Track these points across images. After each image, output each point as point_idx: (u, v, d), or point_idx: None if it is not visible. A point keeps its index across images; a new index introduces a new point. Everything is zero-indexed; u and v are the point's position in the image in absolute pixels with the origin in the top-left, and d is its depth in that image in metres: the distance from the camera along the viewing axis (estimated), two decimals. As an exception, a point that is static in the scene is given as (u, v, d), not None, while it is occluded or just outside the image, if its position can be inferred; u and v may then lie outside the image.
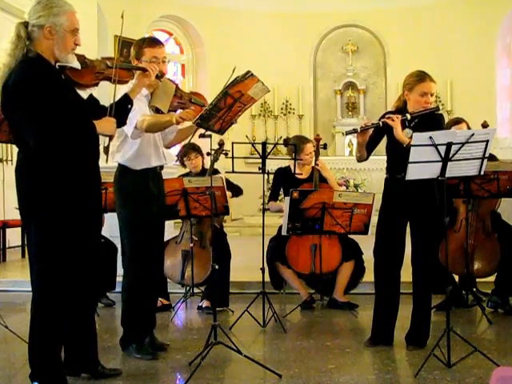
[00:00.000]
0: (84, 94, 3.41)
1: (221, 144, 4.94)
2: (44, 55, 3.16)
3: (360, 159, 4.30)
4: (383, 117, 4.17)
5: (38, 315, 3.25)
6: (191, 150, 5.51)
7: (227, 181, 5.43)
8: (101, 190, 3.53)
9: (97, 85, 3.46)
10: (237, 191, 5.58)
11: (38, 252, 3.24)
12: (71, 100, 3.24)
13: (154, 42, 4.01)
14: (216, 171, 5.40)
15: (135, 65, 3.75)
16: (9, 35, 3.14)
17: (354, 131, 4.14)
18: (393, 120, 4.01)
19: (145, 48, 3.91)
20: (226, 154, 4.87)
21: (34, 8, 3.14)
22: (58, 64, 3.24)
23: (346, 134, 4.39)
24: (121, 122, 3.47)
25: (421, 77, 4.10)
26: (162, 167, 4.05)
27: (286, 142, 5.62)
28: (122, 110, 3.42)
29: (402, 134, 3.99)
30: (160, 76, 3.76)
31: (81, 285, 3.37)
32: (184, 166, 5.68)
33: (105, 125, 3.31)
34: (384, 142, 4.28)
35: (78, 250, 3.30)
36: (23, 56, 3.12)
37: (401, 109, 4.17)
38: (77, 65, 3.29)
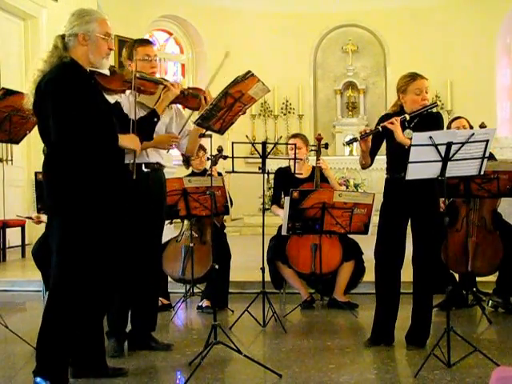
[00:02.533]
0: (111, 99, 3.54)
1: (219, 150, 4.98)
2: (79, 61, 3.33)
3: (364, 166, 4.32)
4: (381, 120, 4.17)
5: (53, 311, 3.28)
6: (199, 148, 5.54)
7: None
8: (125, 194, 3.53)
9: (123, 92, 3.67)
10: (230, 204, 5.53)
11: (60, 247, 3.29)
12: (98, 104, 3.35)
13: (144, 41, 4.18)
14: (219, 174, 5.43)
15: (160, 79, 3.84)
16: (48, 46, 3.38)
17: (355, 140, 4.14)
18: (392, 123, 4.01)
19: (137, 47, 4.02)
20: (225, 158, 4.89)
21: (69, 20, 3.36)
22: (88, 68, 3.38)
23: (347, 144, 4.38)
24: (147, 136, 3.63)
25: (412, 76, 4.12)
26: (147, 165, 4.04)
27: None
28: (147, 123, 3.56)
29: (402, 137, 3.99)
30: (187, 94, 3.86)
31: (99, 283, 3.38)
32: (188, 165, 5.69)
33: (128, 140, 3.43)
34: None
35: (101, 248, 3.32)
36: (58, 61, 3.29)
37: (397, 113, 4.17)
38: (107, 72, 3.45)
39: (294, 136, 5.62)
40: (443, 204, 4.58)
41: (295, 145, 5.24)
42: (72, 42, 3.32)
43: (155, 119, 3.63)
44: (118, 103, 3.59)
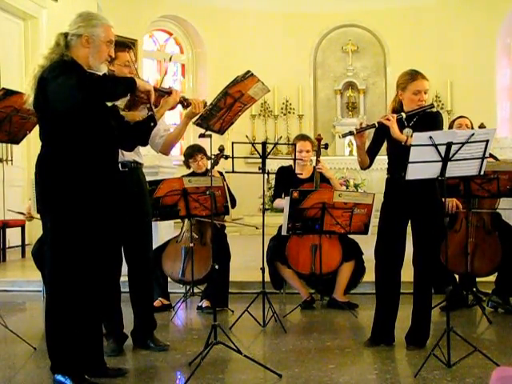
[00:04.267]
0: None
1: (221, 149, 4.98)
2: (78, 61, 3.35)
3: (363, 166, 4.30)
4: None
5: (52, 307, 3.33)
6: (197, 151, 5.53)
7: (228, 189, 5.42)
8: (119, 191, 3.56)
9: None
10: (232, 203, 5.52)
11: (51, 245, 3.32)
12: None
13: (126, 47, 4.07)
14: (220, 173, 5.42)
15: (161, 88, 3.78)
16: (49, 43, 3.40)
17: (351, 133, 4.14)
18: (388, 119, 4.03)
19: (117, 52, 3.89)
20: (227, 158, 4.89)
21: (75, 20, 3.40)
22: (88, 70, 3.39)
23: (343, 137, 4.42)
24: (143, 140, 3.66)
25: (412, 75, 4.11)
26: (123, 164, 4.01)
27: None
28: (144, 128, 3.57)
29: (398, 132, 4.01)
30: (186, 105, 3.80)
31: (92, 281, 3.40)
32: (188, 166, 5.69)
33: (143, 81, 3.46)
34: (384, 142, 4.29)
35: (92, 246, 3.35)
36: (58, 58, 3.32)
37: (397, 110, 4.17)
38: None
39: (304, 139, 5.56)
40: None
41: (295, 145, 5.26)
42: (74, 42, 3.35)
43: (152, 124, 3.58)
44: (115, 106, 3.54)
